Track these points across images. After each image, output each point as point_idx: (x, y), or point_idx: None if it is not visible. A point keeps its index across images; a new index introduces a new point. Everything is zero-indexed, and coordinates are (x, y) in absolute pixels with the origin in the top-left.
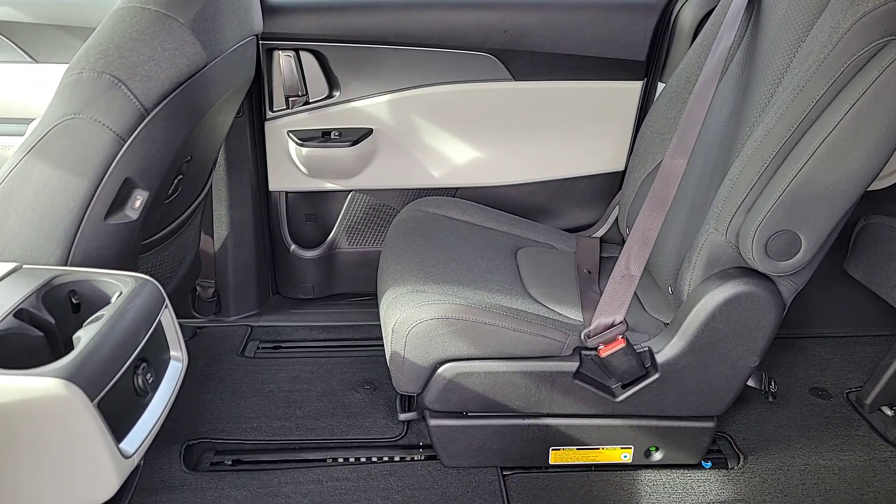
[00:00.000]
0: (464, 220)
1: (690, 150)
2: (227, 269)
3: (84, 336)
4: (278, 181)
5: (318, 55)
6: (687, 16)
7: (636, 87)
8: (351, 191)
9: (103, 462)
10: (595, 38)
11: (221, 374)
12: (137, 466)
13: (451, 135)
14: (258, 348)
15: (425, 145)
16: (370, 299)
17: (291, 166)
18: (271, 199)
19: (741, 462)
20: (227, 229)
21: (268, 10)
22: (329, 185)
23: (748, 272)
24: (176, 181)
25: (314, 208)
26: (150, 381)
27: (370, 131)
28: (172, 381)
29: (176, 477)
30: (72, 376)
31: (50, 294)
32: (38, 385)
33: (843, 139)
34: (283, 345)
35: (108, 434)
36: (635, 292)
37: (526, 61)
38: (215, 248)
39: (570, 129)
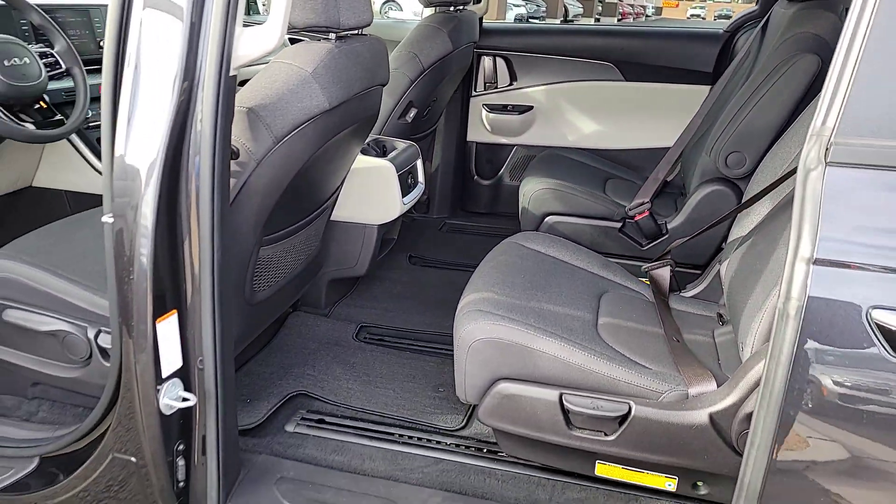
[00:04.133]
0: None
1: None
2: (436, 184)
3: (397, 149)
4: (473, 135)
5: (507, 60)
6: (742, 43)
7: (705, 89)
8: (515, 145)
9: (396, 203)
10: (679, 55)
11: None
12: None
13: (582, 113)
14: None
15: (566, 119)
16: None
17: (481, 126)
18: (467, 146)
19: None
20: (439, 160)
21: (483, 31)
22: (503, 140)
23: None
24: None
25: (491, 154)
26: (410, 183)
27: (531, 107)
28: (415, 196)
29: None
30: (392, 161)
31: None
32: (380, 164)
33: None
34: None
35: (399, 191)
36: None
37: (633, 68)
38: (430, 171)
39: (657, 115)
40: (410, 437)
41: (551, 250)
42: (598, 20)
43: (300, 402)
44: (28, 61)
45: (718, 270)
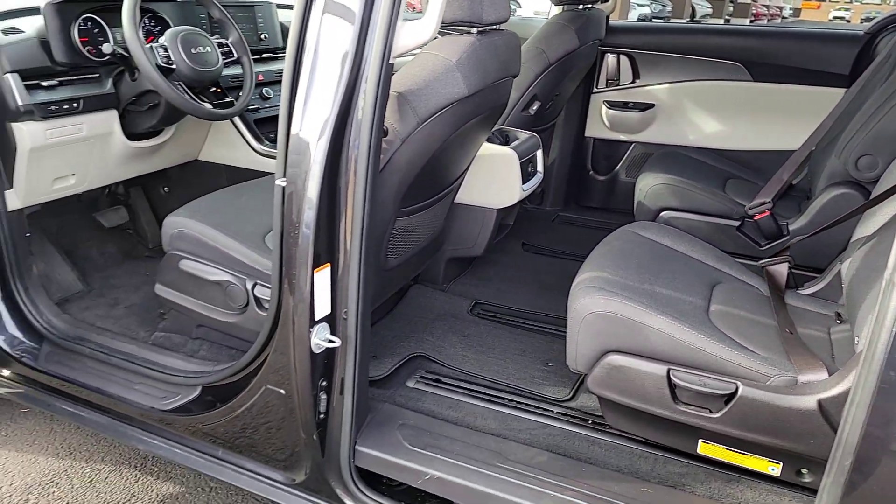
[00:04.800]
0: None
1: None
2: (551, 177)
3: (519, 139)
4: (591, 130)
5: (630, 57)
6: (882, 45)
7: (838, 92)
8: (633, 142)
9: (515, 188)
10: (813, 57)
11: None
12: None
13: (705, 112)
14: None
15: (688, 118)
16: None
17: (600, 122)
18: (585, 141)
19: None
20: (556, 154)
21: (608, 29)
22: (621, 136)
23: None
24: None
25: (609, 150)
26: (530, 171)
27: (652, 105)
28: (534, 184)
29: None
30: (515, 149)
31: None
32: (504, 151)
33: None
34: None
35: (519, 177)
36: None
37: (763, 69)
38: (547, 163)
39: (786, 117)
40: (519, 403)
41: (666, 240)
42: (727, 21)
43: (419, 363)
44: (209, 50)
45: (839, 270)
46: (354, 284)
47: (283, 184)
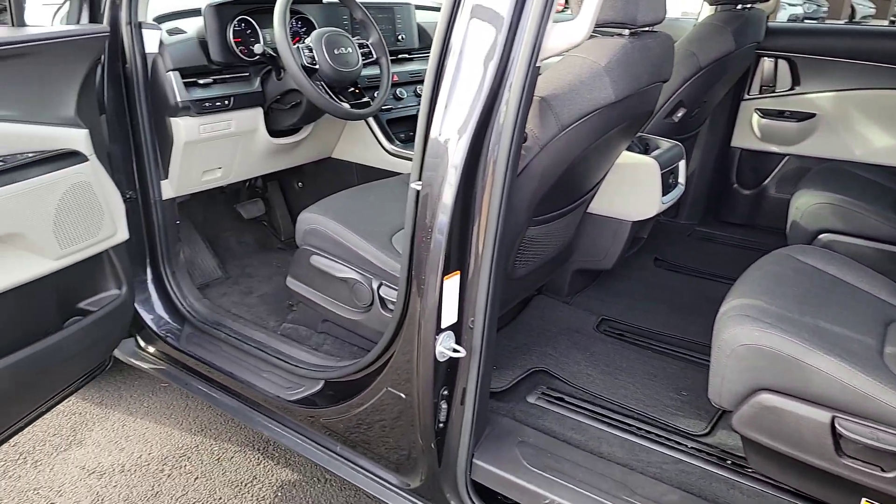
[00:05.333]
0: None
1: None
2: (690, 188)
3: (661, 148)
4: (738, 140)
5: (790, 62)
6: None
7: None
8: (788, 155)
9: (654, 201)
10: None
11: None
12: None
13: (877, 124)
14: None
15: (855, 130)
16: None
17: (749, 131)
18: (730, 152)
19: None
20: (697, 164)
21: (767, 31)
22: (773, 148)
23: None
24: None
25: (757, 162)
26: (671, 183)
27: (813, 115)
28: (674, 197)
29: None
30: (657, 159)
31: None
32: (644, 161)
33: None
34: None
35: (660, 189)
36: None
37: None
38: (688, 173)
39: None
40: (649, 433)
41: (830, 267)
42: (893, 22)
43: (541, 379)
44: (350, 51)
45: None
46: (483, 293)
47: (419, 187)
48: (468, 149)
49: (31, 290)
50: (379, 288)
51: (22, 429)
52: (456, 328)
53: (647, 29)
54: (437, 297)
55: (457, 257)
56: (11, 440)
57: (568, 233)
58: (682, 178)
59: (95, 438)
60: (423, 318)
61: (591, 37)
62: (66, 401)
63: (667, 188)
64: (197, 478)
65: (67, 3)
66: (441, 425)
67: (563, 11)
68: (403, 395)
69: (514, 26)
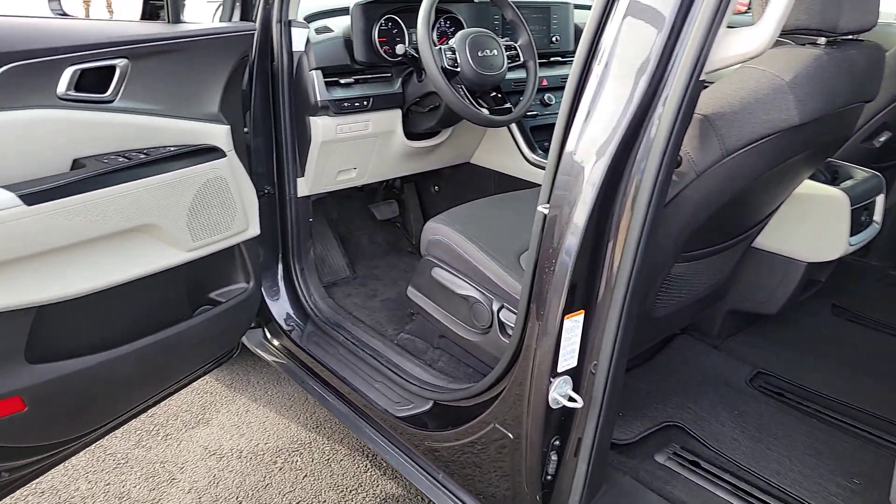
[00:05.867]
0: None
1: None
2: (885, 224)
3: (855, 178)
4: None
5: None
6: None
7: None
8: None
9: (840, 241)
10: None
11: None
12: None
13: None
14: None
15: None
16: None
17: None
18: None
19: None
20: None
21: None
22: None
23: None
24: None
25: None
26: (863, 221)
27: None
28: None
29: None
30: (848, 191)
31: None
32: (831, 193)
33: None
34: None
35: (848, 228)
36: None
37: None
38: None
39: None
40: None
41: None
42: None
43: (674, 435)
44: (496, 53)
45: None
46: (611, 335)
47: (546, 211)
48: (608, 169)
49: (165, 279)
50: (499, 311)
51: (152, 406)
52: (575, 373)
53: (850, 38)
54: (555, 337)
55: (583, 293)
56: (150, 411)
57: (724, 270)
58: (878, 216)
59: (220, 420)
60: (537, 357)
61: (776, 44)
62: (201, 380)
63: (857, 227)
64: (306, 475)
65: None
66: (549, 478)
67: (745, 13)
68: (511, 436)
69: (676, 29)
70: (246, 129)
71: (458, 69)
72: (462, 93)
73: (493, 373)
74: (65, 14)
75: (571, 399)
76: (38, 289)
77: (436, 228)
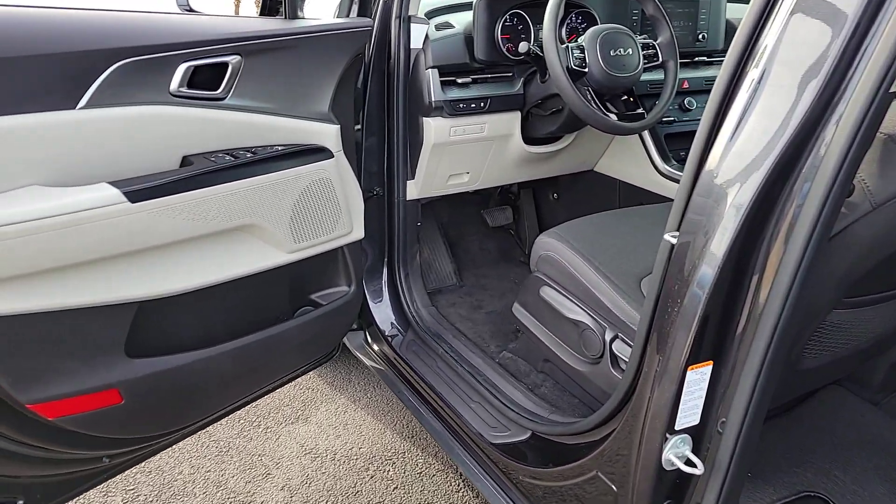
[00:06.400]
0: None
1: None
2: None
3: None
4: None
5: None
6: None
7: None
8: None
9: None
10: None
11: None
12: None
13: None
14: None
15: None
16: None
17: None
18: None
19: None
20: None
21: None
22: None
23: None
24: None
25: None
26: None
27: None
28: None
29: None
30: None
31: None
32: None
33: None
34: None
35: None
36: None
37: None
38: None
39: None
40: None
41: None
42: None
43: None
44: (631, 52)
45: None
46: (746, 390)
47: (674, 240)
48: (758, 192)
49: (265, 279)
50: (612, 341)
51: (249, 403)
52: (697, 431)
53: None
54: (675, 387)
55: (714, 337)
56: (255, 402)
57: (894, 319)
58: None
59: (319, 419)
60: (651, 406)
61: None
62: (305, 375)
63: None
64: (396, 487)
65: None
66: None
67: None
68: (615, 490)
69: (862, 29)
70: (358, 126)
71: (586, 69)
72: (588, 96)
73: (601, 412)
74: (191, 10)
75: (690, 463)
76: (139, 285)
77: (548, 243)
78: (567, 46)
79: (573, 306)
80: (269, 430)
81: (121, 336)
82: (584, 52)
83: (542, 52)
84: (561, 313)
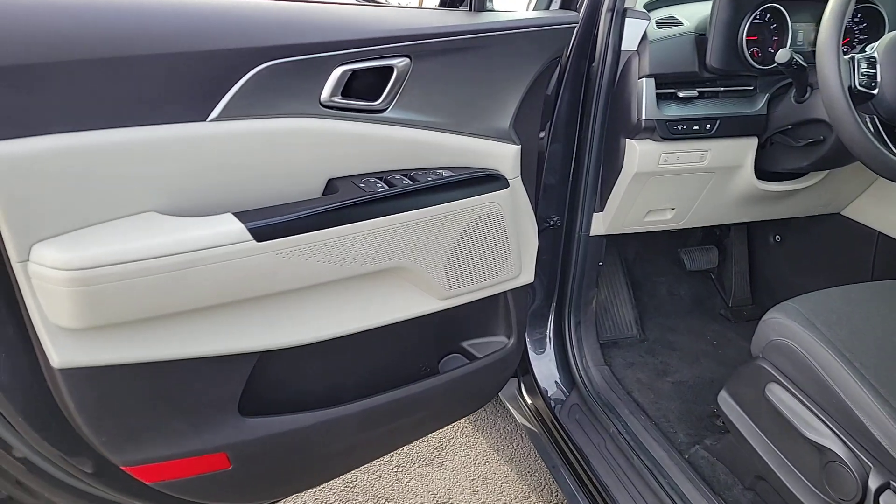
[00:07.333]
0: None
1: None
2: None
3: None
4: None
5: None
6: None
7: None
8: None
9: None
10: None
11: None
12: None
13: None
14: None
15: None
16: None
17: None
18: None
19: None
20: None
21: None
22: None
23: None
24: None
25: None
26: None
27: None
28: None
29: None
30: None
31: None
32: None
33: None
34: None
35: None
36: None
37: None
38: None
39: None
40: None
41: None
42: None
43: None
44: None
45: None
46: None
47: None
48: None
49: (408, 326)
50: (881, 491)
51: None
52: None
53: None
54: None
55: None
56: None
57: None
58: None
59: (455, 465)
60: None
61: None
62: None
63: None
64: None
65: None
66: None
67: None
68: None
69: None
70: (543, 134)
71: (875, 91)
72: (873, 128)
73: None
74: None
75: None
76: (262, 335)
77: (784, 327)
78: (853, 57)
79: (819, 425)
80: (400, 468)
81: (236, 391)
82: (874, 68)
83: (806, 62)
84: (796, 428)
